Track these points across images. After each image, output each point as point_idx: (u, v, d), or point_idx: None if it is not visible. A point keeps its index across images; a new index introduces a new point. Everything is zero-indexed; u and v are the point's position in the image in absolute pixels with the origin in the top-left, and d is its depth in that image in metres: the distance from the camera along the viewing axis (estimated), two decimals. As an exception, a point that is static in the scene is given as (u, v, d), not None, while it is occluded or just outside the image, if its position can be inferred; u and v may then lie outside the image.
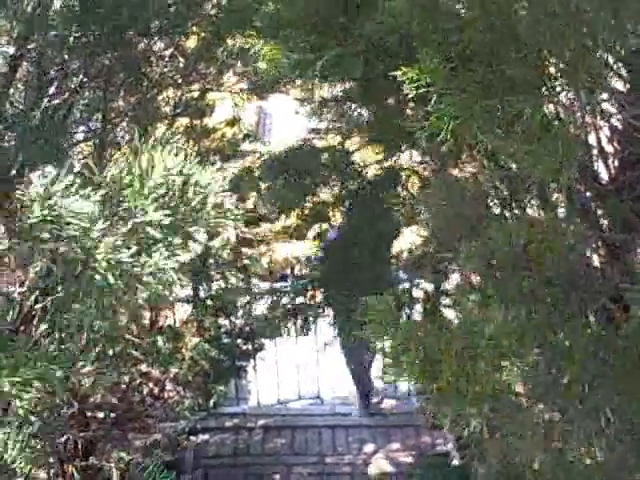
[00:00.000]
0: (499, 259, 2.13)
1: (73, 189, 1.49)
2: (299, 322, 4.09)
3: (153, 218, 1.53)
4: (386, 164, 3.82)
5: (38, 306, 2.05)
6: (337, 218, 4.37)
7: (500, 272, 2.15)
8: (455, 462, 5.17)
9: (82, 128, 2.74)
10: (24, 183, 2.28)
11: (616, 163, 2.58)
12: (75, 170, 1.53)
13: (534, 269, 2.14)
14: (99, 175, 1.54)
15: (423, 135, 1.74)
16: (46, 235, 1.49)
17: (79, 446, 4.63)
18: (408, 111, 2.78)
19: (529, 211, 2.88)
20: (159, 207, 1.53)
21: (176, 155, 1.55)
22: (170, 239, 1.59)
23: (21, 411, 1.59)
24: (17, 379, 1.53)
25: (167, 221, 1.54)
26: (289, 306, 3.98)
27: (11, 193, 2.32)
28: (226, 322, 5.39)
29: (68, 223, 1.47)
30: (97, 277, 1.51)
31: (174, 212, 1.55)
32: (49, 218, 1.47)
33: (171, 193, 1.54)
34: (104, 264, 1.50)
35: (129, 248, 1.54)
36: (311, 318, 4.12)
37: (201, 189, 1.55)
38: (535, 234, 2.16)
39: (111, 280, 1.51)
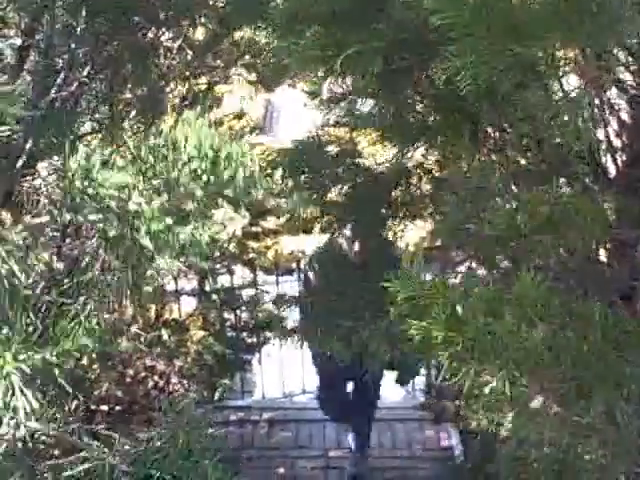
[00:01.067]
0: (527, 223, 2.12)
1: (110, 162, 1.53)
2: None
3: (187, 190, 1.58)
4: (394, 160, 3.80)
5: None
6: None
7: (527, 237, 2.15)
8: (458, 454, 5.17)
9: (89, 119, 2.74)
10: (32, 175, 2.28)
11: (624, 158, 2.57)
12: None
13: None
14: (134, 148, 1.57)
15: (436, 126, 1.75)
16: (88, 209, 1.53)
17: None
18: (421, 107, 2.77)
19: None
20: (192, 179, 1.58)
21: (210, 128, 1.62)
22: (203, 211, 1.64)
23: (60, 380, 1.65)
24: (60, 350, 1.61)
25: (200, 193, 1.59)
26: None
27: (18, 184, 2.32)
28: (231, 316, 5.40)
29: (108, 196, 1.51)
30: (137, 245, 1.58)
31: (206, 184, 1.59)
32: (90, 191, 1.51)
33: (203, 165, 1.57)
34: (143, 233, 1.55)
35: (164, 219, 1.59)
36: None
37: (232, 162, 1.59)
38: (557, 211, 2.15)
39: (151, 247, 1.57)
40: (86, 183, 1.51)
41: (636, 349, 1.77)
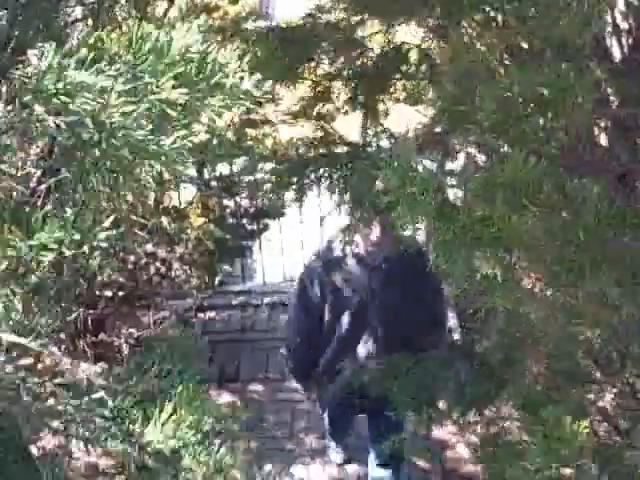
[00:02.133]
0: (518, 101, 2.08)
1: (87, 63, 1.42)
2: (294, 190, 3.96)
3: (170, 96, 1.46)
4: (389, 39, 3.71)
5: (42, 187, 2.04)
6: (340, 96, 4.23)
7: (518, 117, 2.11)
8: (457, 337, 5.28)
9: (79, 5, 2.64)
10: (22, 62, 2.23)
11: (630, 41, 2.51)
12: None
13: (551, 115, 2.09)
14: (114, 47, 1.45)
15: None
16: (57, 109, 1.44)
17: (89, 323, 4.75)
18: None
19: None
20: (176, 85, 1.46)
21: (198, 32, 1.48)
22: (187, 119, 1.54)
23: (39, 274, 1.62)
24: (34, 242, 1.53)
25: (183, 100, 1.47)
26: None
27: (7, 72, 2.27)
28: (231, 203, 5.41)
29: (81, 97, 1.41)
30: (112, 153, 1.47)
31: (191, 91, 1.48)
32: (62, 91, 1.40)
33: (188, 71, 1.46)
34: (122, 140, 1.44)
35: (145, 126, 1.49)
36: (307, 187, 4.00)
37: (219, 68, 1.47)
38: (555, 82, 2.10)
39: (129, 157, 1.47)
40: (59, 85, 1.39)
41: (632, 231, 1.77)
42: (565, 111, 2.01)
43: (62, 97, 1.40)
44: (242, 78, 1.49)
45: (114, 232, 1.64)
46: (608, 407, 2.51)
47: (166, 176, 1.58)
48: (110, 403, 1.96)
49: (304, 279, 3.66)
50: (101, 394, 1.97)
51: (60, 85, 1.40)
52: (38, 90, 1.43)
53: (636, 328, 1.85)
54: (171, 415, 1.88)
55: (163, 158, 1.47)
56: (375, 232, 3.46)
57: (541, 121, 2.05)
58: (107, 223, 1.57)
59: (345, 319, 3.58)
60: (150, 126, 1.47)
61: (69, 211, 1.61)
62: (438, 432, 4.40)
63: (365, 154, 3.42)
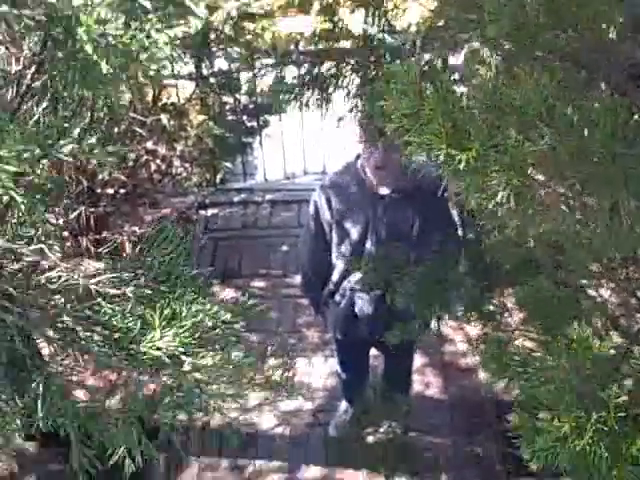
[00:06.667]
0: (531, 14, 2.00)
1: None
2: (315, 93, 3.79)
3: None
4: None
5: (37, 84, 1.99)
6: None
7: (531, 29, 2.04)
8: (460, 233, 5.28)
9: None
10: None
11: None
12: None
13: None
14: None
15: None
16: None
17: (91, 221, 4.76)
18: None
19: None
20: None
21: None
22: (163, 9, 1.45)
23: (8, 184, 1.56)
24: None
25: None
26: (305, 77, 3.69)
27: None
28: (230, 99, 5.33)
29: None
30: (81, 53, 1.38)
31: None
32: None
33: None
34: (85, 37, 1.35)
35: (116, 20, 1.38)
36: (331, 88, 3.84)
37: None
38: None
39: (94, 56, 1.37)
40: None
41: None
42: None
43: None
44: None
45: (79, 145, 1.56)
46: (608, 305, 2.53)
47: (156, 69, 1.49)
48: (108, 310, 1.95)
49: (317, 200, 3.49)
50: (98, 300, 1.96)
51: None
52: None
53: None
54: (171, 320, 1.88)
55: (138, 55, 1.39)
56: (378, 156, 3.23)
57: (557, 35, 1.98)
58: (75, 133, 1.51)
59: (344, 249, 3.49)
60: (122, 19, 1.37)
61: (30, 123, 1.54)
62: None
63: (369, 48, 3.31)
